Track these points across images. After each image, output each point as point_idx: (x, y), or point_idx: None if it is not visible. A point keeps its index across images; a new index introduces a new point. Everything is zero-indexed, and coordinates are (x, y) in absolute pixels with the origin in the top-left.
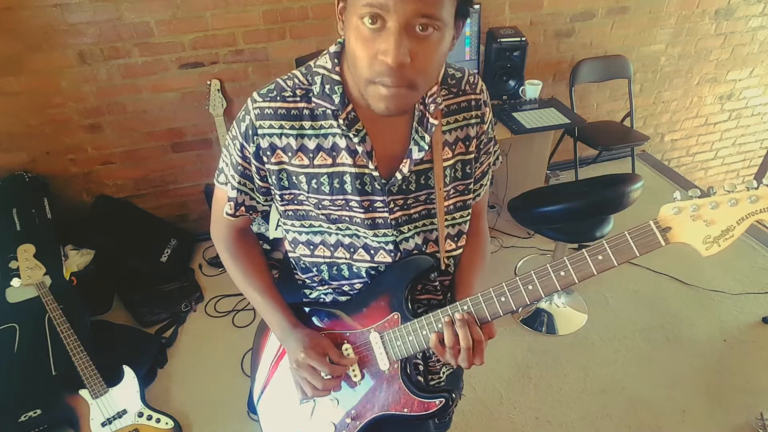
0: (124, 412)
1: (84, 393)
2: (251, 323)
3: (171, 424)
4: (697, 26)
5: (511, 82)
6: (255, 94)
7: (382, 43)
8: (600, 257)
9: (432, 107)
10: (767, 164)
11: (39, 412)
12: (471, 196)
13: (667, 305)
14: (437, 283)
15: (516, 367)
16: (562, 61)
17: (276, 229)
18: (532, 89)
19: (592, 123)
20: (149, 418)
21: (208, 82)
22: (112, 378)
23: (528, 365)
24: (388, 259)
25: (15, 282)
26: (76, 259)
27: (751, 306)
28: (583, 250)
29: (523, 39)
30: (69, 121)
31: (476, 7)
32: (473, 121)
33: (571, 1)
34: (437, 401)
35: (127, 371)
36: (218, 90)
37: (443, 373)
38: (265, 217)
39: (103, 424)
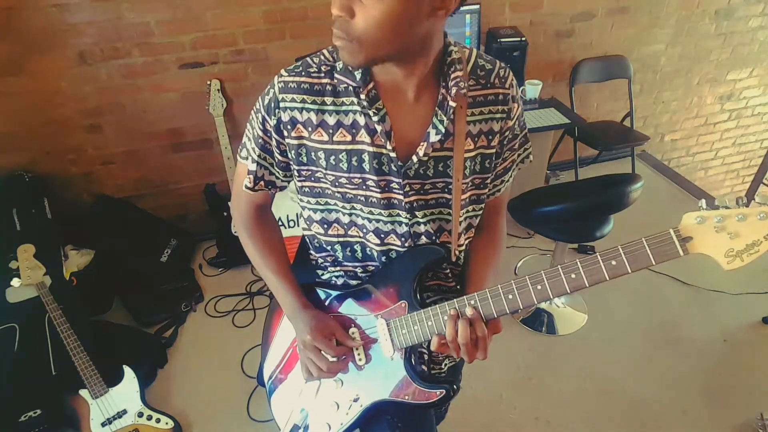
0: (124, 412)
1: (84, 393)
2: (251, 323)
3: (171, 424)
4: (697, 26)
5: None
6: (282, 70)
7: None
8: (614, 263)
9: (453, 90)
10: (767, 164)
11: (39, 412)
12: (486, 191)
13: (667, 305)
14: (448, 271)
15: (516, 367)
16: (562, 61)
17: None
18: (532, 89)
19: (592, 123)
20: (149, 418)
21: (208, 83)
22: (112, 378)
23: (528, 365)
24: (398, 243)
25: (15, 282)
26: (76, 259)
27: (751, 306)
28: (597, 253)
29: (523, 39)
30: (69, 121)
31: (476, 6)
32: (498, 115)
33: (571, 1)
34: (438, 392)
35: (127, 371)
36: (218, 90)
37: (445, 365)
38: None
39: (103, 424)
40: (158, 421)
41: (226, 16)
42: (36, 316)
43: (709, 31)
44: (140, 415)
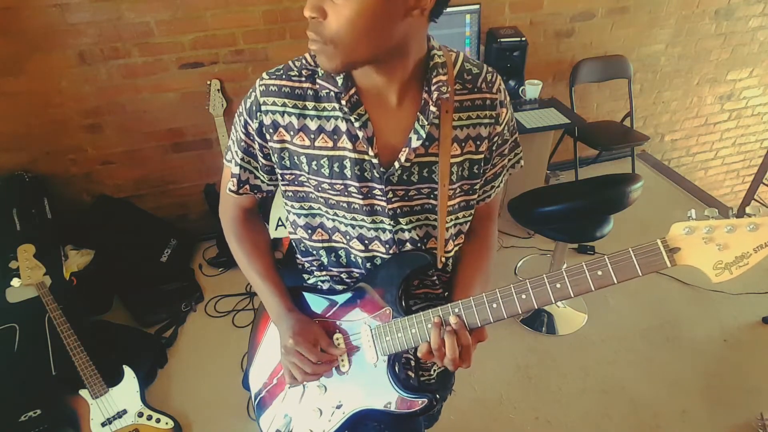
0: (124, 412)
1: (84, 393)
2: (251, 323)
3: (171, 424)
4: (697, 26)
5: (511, 82)
6: (264, 73)
7: None
8: (599, 273)
9: (435, 95)
10: (767, 164)
11: (39, 412)
12: (475, 196)
13: (667, 305)
14: (435, 278)
15: (516, 367)
16: (562, 61)
17: (276, 230)
18: (532, 89)
19: (592, 123)
20: (149, 418)
21: (208, 82)
22: (112, 378)
23: (528, 365)
24: (383, 249)
25: (15, 282)
26: (76, 259)
27: (751, 306)
28: (583, 263)
29: (523, 39)
30: (69, 121)
31: (476, 6)
32: (486, 120)
33: (571, 1)
34: (420, 401)
35: (127, 371)
36: (218, 90)
37: (434, 370)
38: (265, 216)
39: (103, 424)
40: (158, 421)
41: (226, 16)
42: (36, 316)
43: (709, 31)
44: (140, 415)
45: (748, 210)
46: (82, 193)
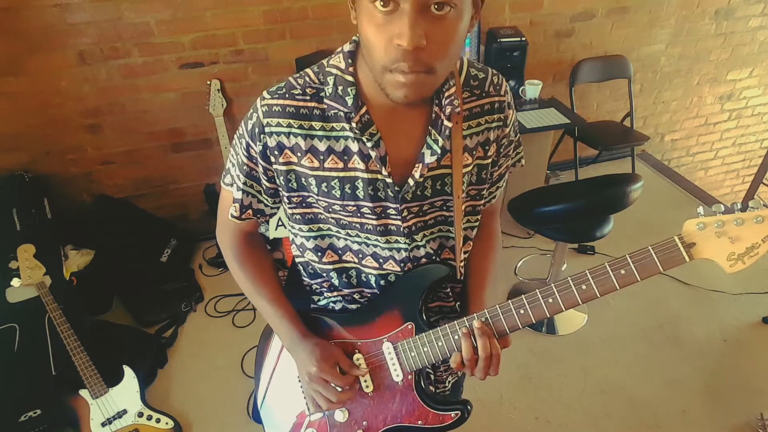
0: (124, 412)
1: (84, 393)
2: (251, 323)
3: (171, 424)
4: (697, 26)
5: (511, 82)
6: (264, 92)
7: (396, 27)
8: (623, 272)
9: (448, 109)
10: (767, 164)
11: (39, 412)
12: (482, 201)
13: (667, 305)
14: (448, 290)
15: (516, 367)
16: (562, 61)
17: (276, 230)
18: (532, 89)
19: (592, 123)
20: (149, 418)
21: (208, 83)
22: (112, 378)
23: (528, 365)
24: (397, 268)
25: (15, 282)
26: (76, 259)
27: (751, 306)
28: (606, 264)
29: (523, 39)
30: (69, 121)
31: None
32: (495, 124)
33: (571, 1)
34: (453, 414)
35: (127, 371)
36: (218, 90)
37: (449, 382)
38: None
39: (103, 424)
40: (158, 421)
41: (226, 16)
42: (36, 316)
43: (709, 31)
44: (140, 415)
45: (750, 204)
46: (82, 193)
